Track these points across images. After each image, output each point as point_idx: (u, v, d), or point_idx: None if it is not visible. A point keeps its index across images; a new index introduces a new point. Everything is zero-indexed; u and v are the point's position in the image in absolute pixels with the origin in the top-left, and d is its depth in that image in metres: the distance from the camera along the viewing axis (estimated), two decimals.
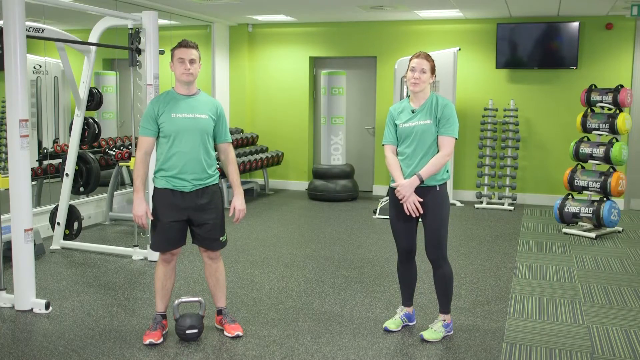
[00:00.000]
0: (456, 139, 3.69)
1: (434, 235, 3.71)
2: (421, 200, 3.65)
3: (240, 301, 4.47)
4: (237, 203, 3.73)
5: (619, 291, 4.82)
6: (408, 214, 3.66)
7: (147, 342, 3.67)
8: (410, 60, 3.71)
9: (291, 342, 3.76)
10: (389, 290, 4.76)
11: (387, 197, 8.20)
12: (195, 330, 3.72)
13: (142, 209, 3.59)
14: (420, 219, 3.77)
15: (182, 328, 3.71)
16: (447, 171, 3.75)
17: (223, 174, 7.62)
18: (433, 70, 3.71)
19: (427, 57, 3.70)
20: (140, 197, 3.58)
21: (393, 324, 3.95)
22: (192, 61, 3.60)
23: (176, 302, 3.80)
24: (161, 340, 3.71)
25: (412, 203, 3.62)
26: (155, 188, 3.68)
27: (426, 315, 4.19)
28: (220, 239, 3.76)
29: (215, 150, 3.76)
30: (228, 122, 9.86)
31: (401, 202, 3.66)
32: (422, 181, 3.61)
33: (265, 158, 8.91)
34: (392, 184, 3.73)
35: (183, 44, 3.63)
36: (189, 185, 3.60)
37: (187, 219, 3.66)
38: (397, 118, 3.75)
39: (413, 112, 3.71)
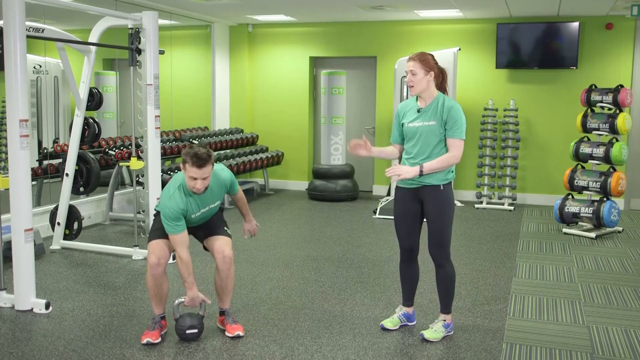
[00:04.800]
0: (464, 139, 3.67)
1: (437, 234, 3.71)
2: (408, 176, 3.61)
3: (240, 301, 4.47)
4: (249, 226, 4.11)
5: (619, 291, 4.82)
6: (389, 174, 3.62)
7: (144, 341, 3.67)
8: None
9: (291, 342, 3.76)
10: (389, 290, 4.77)
11: (387, 197, 8.22)
12: (195, 330, 3.72)
13: (199, 298, 3.69)
14: (424, 219, 3.78)
15: (182, 328, 3.70)
16: (452, 171, 3.73)
17: None
18: (429, 68, 3.63)
19: (417, 57, 3.65)
20: (196, 291, 3.66)
21: (390, 322, 3.95)
22: (204, 179, 3.54)
23: (176, 302, 3.79)
24: (159, 340, 3.71)
25: (395, 173, 3.59)
26: (159, 211, 3.78)
27: (426, 315, 4.19)
28: (225, 228, 3.86)
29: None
30: (228, 123, 9.89)
31: (391, 173, 3.60)
32: (421, 172, 3.59)
33: (265, 158, 8.91)
34: (397, 181, 3.73)
35: (196, 163, 3.46)
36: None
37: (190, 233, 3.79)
38: (404, 117, 3.75)
39: (419, 111, 3.70)
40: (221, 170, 3.78)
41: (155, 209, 3.87)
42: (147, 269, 3.69)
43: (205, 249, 3.90)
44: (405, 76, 3.87)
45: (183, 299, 3.77)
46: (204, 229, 3.84)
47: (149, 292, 3.75)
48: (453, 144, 3.64)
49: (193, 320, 3.72)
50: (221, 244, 3.76)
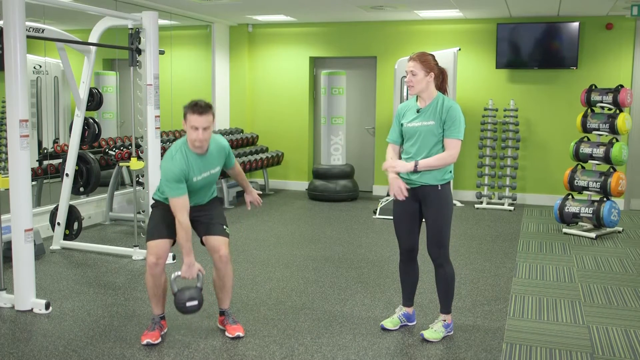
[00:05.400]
0: (461, 140, 3.68)
1: (436, 234, 3.71)
2: (408, 187, 3.65)
3: (240, 301, 4.47)
4: (251, 197, 4.09)
5: (619, 291, 4.82)
6: (393, 196, 3.66)
7: (144, 342, 3.67)
8: None
9: (291, 342, 3.76)
10: (389, 290, 4.77)
11: (387, 197, 8.22)
12: (196, 302, 3.58)
13: (195, 266, 3.60)
14: (423, 219, 3.78)
15: (181, 301, 3.56)
16: (450, 171, 3.74)
17: (223, 174, 7.62)
18: (429, 69, 3.64)
19: (418, 58, 3.65)
20: (192, 259, 3.58)
21: (390, 322, 3.95)
22: (205, 128, 3.52)
23: (173, 276, 3.64)
24: (159, 340, 3.71)
25: (397, 187, 3.62)
26: (157, 200, 3.78)
27: (426, 315, 4.19)
28: (224, 227, 3.83)
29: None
30: (228, 123, 9.87)
31: (386, 167, 3.65)
32: (416, 168, 3.60)
33: (265, 158, 8.91)
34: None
35: (197, 110, 3.48)
36: (193, 205, 3.76)
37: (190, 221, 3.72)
38: (403, 117, 3.76)
39: (418, 111, 3.71)
40: (220, 137, 3.82)
41: (152, 198, 3.84)
42: (146, 269, 3.69)
43: (202, 243, 3.89)
44: (405, 76, 3.88)
45: (179, 273, 3.62)
46: (204, 222, 3.80)
47: (148, 292, 3.74)
48: (450, 144, 3.65)
49: (192, 293, 3.58)
50: (219, 244, 3.75)
